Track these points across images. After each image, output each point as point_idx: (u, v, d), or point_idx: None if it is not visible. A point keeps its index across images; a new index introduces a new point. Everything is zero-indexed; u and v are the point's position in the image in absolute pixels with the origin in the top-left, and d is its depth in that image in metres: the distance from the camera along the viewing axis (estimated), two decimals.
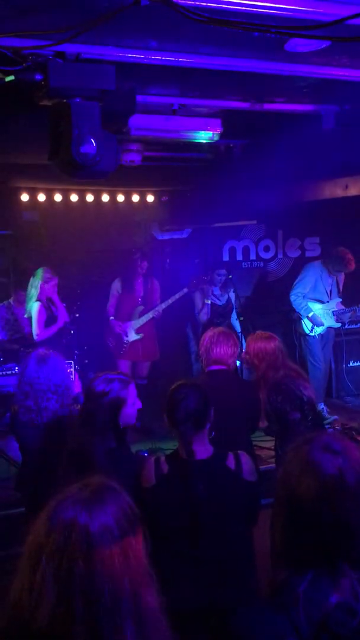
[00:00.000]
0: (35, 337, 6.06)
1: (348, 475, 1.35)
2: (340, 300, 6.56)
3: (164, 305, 6.43)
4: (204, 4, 2.08)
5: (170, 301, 6.47)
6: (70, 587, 1.16)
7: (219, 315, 6.58)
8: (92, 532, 1.20)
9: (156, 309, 6.41)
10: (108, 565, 1.19)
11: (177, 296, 6.49)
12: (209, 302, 6.51)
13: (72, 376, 4.34)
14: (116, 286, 6.48)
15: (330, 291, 6.55)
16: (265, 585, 1.40)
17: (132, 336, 6.44)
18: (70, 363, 4.44)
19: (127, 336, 6.43)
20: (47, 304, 6.16)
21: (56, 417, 3.32)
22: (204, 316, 6.57)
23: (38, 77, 2.53)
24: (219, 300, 6.63)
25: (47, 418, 3.30)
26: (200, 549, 2.48)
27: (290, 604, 1.28)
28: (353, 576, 1.30)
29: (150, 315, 6.40)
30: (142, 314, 6.44)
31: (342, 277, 6.64)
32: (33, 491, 3.28)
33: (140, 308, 6.44)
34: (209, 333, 3.59)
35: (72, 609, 1.15)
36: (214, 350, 3.50)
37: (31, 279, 6.15)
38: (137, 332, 6.44)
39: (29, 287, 6.16)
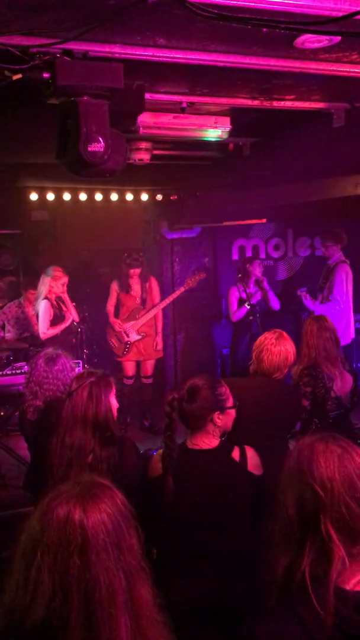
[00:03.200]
0: (41, 334, 6.10)
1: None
2: (321, 294, 6.51)
3: (162, 305, 6.53)
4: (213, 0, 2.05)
5: (168, 301, 6.58)
6: (66, 580, 1.18)
7: (252, 313, 6.53)
8: (87, 528, 1.22)
9: (153, 309, 6.50)
10: (103, 559, 1.21)
11: (174, 296, 6.61)
12: (249, 307, 6.50)
13: None
14: (115, 287, 6.56)
15: (326, 285, 6.52)
16: (267, 576, 1.42)
17: (134, 336, 6.51)
18: (79, 363, 4.43)
19: (128, 336, 6.49)
20: (56, 302, 6.17)
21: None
22: (235, 317, 6.58)
23: (45, 75, 2.52)
24: (253, 297, 6.58)
25: (53, 417, 3.30)
26: (204, 540, 2.48)
27: (298, 594, 1.29)
28: (344, 552, 1.31)
29: (149, 315, 6.48)
30: (141, 314, 6.50)
31: (337, 270, 6.51)
32: (41, 490, 3.29)
33: (140, 308, 6.50)
34: (267, 341, 3.46)
35: (68, 601, 1.17)
36: (266, 360, 3.41)
37: (42, 277, 6.17)
38: (139, 332, 6.51)
39: (39, 285, 6.19)
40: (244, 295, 6.58)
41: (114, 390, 2.76)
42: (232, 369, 7.03)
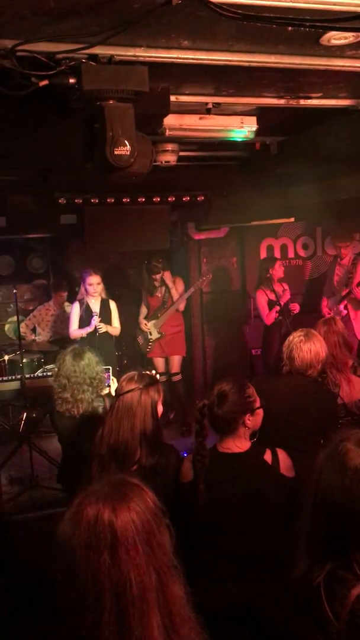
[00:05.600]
0: (69, 334, 6.34)
1: None
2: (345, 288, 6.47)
3: (176, 305, 6.81)
4: (237, 0, 2.04)
5: (181, 300, 6.84)
6: (98, 578, 1.20)
7: (281, 313, 6.52)
8: (116, 526, 1.24)
9: (170, 308, 6.80)
10: (133, 557, 1.23)
11: (186, 295, 6.91)
12: (280, 307, 6.54)
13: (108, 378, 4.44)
14: (143, 291, 7.01)
15: (347, 283, 6.49)
16: (289, 577, 1.42)
17: (155, 334, 6.82)
18: (108, 369, 4.51)
19: (151, 334, 6.85)
20: (87, 304, 6.30)
21: (90, 407, 3.56)
22: (268, 320, 6.61)
23: (71, 80, 2.54)
24: (282, 297, 6.59)
25: (82, 409, 3.54)
26: (237, 544, 2.47)
27: (313, 600, 1.28)
28: None
29: (167, 314, 6.77)
30: (162, 313, 6.83)
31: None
32: (72, 481, 3.37)
33: (161, 308, 6.83)
34: (296, 339, 3.46)
35: (101, 598, 1.18)
36: (297, 358, 3.40)
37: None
38: (159, 331, 6.81)
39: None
40: (272, 297, 6.58)
41: (161, 397, 2.76)
42: (264, 369, 7.06)
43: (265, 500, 2.49)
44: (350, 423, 3.63)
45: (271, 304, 6.58)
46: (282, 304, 6.44)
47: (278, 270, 6.60)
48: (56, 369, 3.70)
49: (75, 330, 6.34)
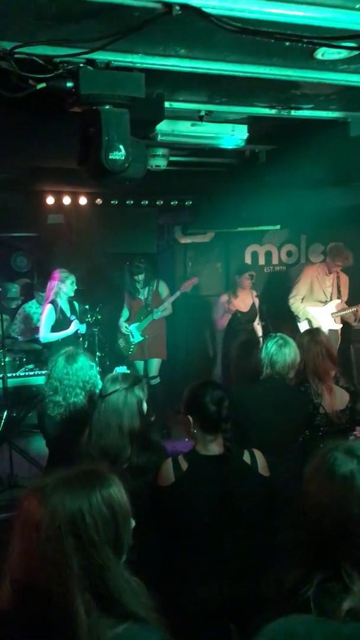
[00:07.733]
0: (40, 337, 6.17)
1: (358, 480, 1.36)
2: (339, 301, 6.59)
3: (161, 308, 6.79)
4: (236, 13, 2.08)
5: (166, 304, 6.83)
6: (62, 555, 1.25)
7: (243, 321, 6.62)
8: (75, 513, 1.28)
9: (154, 314, 6.78)
10: (94, 537, 1.28)
11: (171, 299, 6.88)
12: (233, 310, 6.66)
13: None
14: (125, 293, 6.91)
15: (331, 293, 6.59)
16: (275, 586, 1.43)
17: (137, 337, 6.77)
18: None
19: (133, 337, 6.79)
20: (60, 306, 6.16)
21: (83, 411, 3.41)
22: (218, 325, 6.77)
23: (69, 84, 2.56)
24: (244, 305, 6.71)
25: (75, 413, 3.42)
26: (221, 544, 2.51)
27: (303, 611, 1.29)
28: None
29: (150, 318, 6.75)
30: (145, 315, 6.76)
31: (345, 278, 6.66)
32: None
33: (144, 311, 6.76)
34: (275, 345, 3.51)
35: (66, 572, 1.24)
36: (280, 362, 3.46)
37: (49, 282, 6.30)
38: (142, 333, 6.76)
39: (47, 290, 6.31)
40: (229, 305, 6.73)
41: (146, 395, 2.77)
42: (223, 374, 7.18)
43: (247, 501, 2.54)
44: (331, 432, 3.66)
45: (224, 309, 6.79)
46: (229, 310, 6.64)
47: (244, 282, 6.80)
48: (48, 372, 3.59)
49: (49, 334, 6.09)
